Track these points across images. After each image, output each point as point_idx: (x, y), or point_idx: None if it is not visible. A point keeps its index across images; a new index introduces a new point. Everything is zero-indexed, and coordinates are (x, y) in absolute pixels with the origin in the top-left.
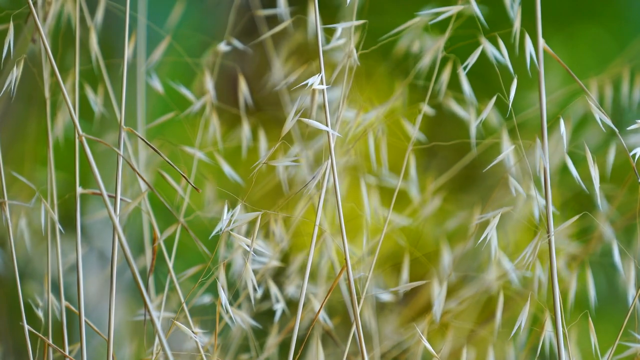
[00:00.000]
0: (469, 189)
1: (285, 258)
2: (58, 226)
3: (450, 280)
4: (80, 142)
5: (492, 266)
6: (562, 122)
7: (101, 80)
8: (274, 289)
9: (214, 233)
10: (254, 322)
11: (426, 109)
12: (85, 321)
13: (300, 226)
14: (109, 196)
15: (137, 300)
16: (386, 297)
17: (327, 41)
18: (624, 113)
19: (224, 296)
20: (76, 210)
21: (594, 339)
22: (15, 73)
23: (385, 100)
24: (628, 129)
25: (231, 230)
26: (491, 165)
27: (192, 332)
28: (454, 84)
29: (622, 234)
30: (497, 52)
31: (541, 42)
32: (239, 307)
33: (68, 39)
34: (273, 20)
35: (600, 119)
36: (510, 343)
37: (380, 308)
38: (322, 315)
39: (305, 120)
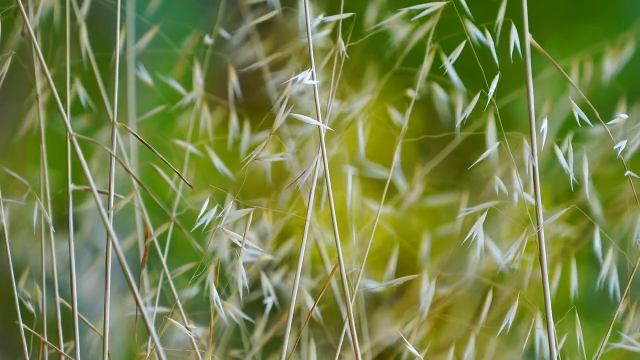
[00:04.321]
0: (462, 178)
1: (276, 244)
2: (50, 224)
3: (440, 276)
4: (71, 142)
5: (480, 260)
6: (545, 120)
7: (92, 74)
8: (266, 283)
9: (196, 226)
10: (245, 316)
11: (412, 93)
12: (79, 317)
13: (292, 218)
14: (100, 192)
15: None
16: (377, 288)
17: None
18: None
19: (215, 293)
20: (68, 207)
21: (579, 334)
22: (3, 69)
23: (370, 90)
24: (608, 123)
25: (222, 226)
26: (475, 162)
27: (186, 328)
28: (442, 76)
29: (616, 231)
30: (482, 37)
31: (528, 36)
32: (229, 298)
33: (59, 33)
34: (263, 11)
35: (579, 117)
36: (501, 338)
37: (372, 301)
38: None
39: (296, 115)
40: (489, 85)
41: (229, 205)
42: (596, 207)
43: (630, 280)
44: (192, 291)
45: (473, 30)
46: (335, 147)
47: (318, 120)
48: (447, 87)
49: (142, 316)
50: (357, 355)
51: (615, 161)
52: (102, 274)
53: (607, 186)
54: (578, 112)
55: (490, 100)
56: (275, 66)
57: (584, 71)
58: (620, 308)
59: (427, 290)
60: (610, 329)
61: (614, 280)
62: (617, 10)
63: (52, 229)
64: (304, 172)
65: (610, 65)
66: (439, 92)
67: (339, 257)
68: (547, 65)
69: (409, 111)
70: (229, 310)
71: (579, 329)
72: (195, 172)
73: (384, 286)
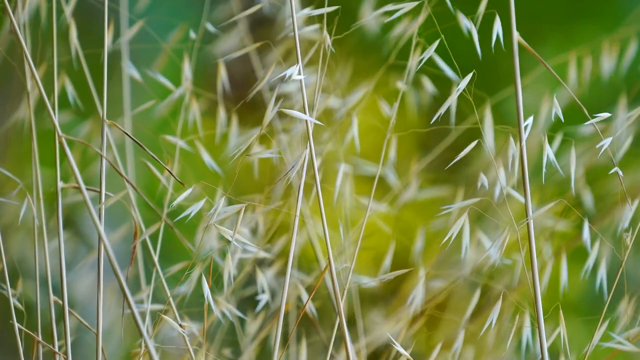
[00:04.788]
0: (458, 173)
1: (271, 240)
2: (43, 222)
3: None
4: (60, 144)
5: (465, 257)
6: (531, 117)
7: (81, 72)
8: (261, 279)
9: (189, 218)
10: (239, 313)
11: (402, 86)
12: (70, 312)
13: (286, 215)
14: (89, 189)
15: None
16: (368, 283)
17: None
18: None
19: (207, 291)
20: (58, 205)
21: (563, 331)
22: None
23: (365, 85)
24: (585, 123)
25: (214, 222)
26: (452, 163)
27: (179, 325)
28: (432, 67)
29: (612, 227)
30: (471, 26)
31: (515, 34)
32: (224, 295)
33: (48, 30)
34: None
35: (555, 114)
36: (496, 336)
37: (368, 300)
38: (308, 305)
39: (285, 110)
40: (484, 80)
41: (220, 201)
42: (590, 204)
43: (619, 273)
44: (185, 288)
45: (465, 24)
46: (330, 144)
47: (306, 114)
48: (442, 81)
49: (132, 313)
50: (346, 349)
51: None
52: (94, 271)
53: (603, 183)
54: (556, 110)
55: (485, 95)
56: (266, 59)
57: (583, 67)
58: (609, 303)
59: (417, 286)
60: (603, 328)
61: (602, 273)
62: (619, 10)
63: (44, 227)
64: (293, 166)
65: (609, 61)
66: (431, 86)
67: (328, 253)
68: (544, 59)
69: (396, 105)
70: (223, 308)
71: (563, 326)
72: (187, 167)
73: (375, 281)
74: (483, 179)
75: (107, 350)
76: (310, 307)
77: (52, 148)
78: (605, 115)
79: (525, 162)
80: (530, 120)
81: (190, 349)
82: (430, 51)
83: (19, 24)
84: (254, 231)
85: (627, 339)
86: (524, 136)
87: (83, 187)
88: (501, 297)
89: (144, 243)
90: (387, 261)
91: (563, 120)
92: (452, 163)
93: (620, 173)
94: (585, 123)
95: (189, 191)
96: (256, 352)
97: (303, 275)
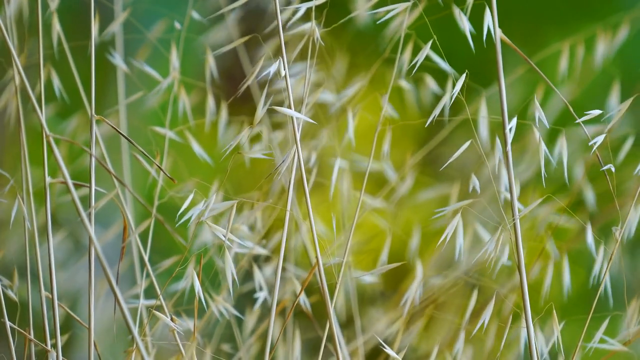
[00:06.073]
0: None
1: (267, 237)
2: (33, 219)
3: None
4: (48, 142)
5: (459, 258)
6: (514, 120)
7: (68, 66)
8: (258, 276)
9: (182, 220)
10: (235, 312)
11: (402, 83)
12: (60, 306)
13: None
14: (78, 184)
15: (126, 291)
16: (361, 276)
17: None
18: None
19: (198, 286)
20: (46, 200)
21: (556, 332)
22: None
23: (356, 79)
24: (577, 121)
25: (206, 218)
26: (446, 165)
27: (171, 320)
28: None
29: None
30: (471, 27)
31: (498, 32)
32: (220, 292)
33: (35, 23)
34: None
35: (539, 117)
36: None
37: (367, 298)
38: (303, 299)
39: (275, 107)
40: (480, 72)
41: (212, 197)
42: (591, 203)
43: (607, 268)
44: (183, 284)
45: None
46: (326, 139)
47: (292, 109)
48: (440, 75)
49: (122, 310)
50: (335, 345)
51: (613, 154)
52: (99, 270)
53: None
54: (539, 113)
55: (479, 88)
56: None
57: (576, 56)
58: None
59: (413, 284)
60: (602, 328)
61: (606, 276)
62: (619, 9)
63: (34, 223)
64: (283, 160)
65: (603, 49)
66: (429, 80)
67: (316, 248)
68: (538, 50)
69: (386, 96)
70: (220, 305)
71: (557, 326)
72: (179, 159)
73: (369, 275)
74: (475, 182)
75: (102, 346)
76: (305, 303)
77: (40, 144)
78: (596, 112)
79: (510, 160)
80: (514, 122)
81: (180, 344)
82: (426, 49)
83: (4, 18)
84: (252, 228)
85: (627, 337)
86: (509, 131)
87: (70, 183)
88: (494, 298)
89: (138, 236)
90: (384, 255)
91: (546, 122)
92: (445, 165)
93: (613, 169)
94: (577, 120)
95: (188, 190)
96: (255, 348)
97: (300, 271)
